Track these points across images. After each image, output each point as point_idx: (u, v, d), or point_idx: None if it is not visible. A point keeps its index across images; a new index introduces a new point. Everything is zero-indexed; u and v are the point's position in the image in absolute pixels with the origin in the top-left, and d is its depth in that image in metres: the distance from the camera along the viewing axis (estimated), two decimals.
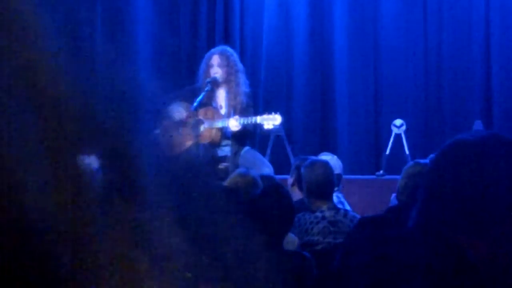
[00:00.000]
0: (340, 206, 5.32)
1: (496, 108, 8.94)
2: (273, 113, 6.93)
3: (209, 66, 7.16)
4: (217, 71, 7.13)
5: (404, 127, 7.89)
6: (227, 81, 7.17)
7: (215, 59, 7.17)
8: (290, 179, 5.70)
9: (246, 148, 7.17)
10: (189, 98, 7.14)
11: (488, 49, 9.01)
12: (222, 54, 7.20)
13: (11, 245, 0.43)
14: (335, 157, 6.33)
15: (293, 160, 7.68)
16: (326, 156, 6.25)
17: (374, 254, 1.58)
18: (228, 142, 7.16)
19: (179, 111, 7.22)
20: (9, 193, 0.42)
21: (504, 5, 8.98)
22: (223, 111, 7.21)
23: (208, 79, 7.09)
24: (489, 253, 1.43)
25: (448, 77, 9.08)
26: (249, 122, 6.96)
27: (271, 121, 6.90)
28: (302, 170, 5.21)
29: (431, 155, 5.43)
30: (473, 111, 8.83)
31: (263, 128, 7.08)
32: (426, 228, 1.50)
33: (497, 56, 8.97)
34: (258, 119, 6.94)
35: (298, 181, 5.56)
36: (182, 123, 7.22)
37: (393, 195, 5.26)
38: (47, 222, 0.43)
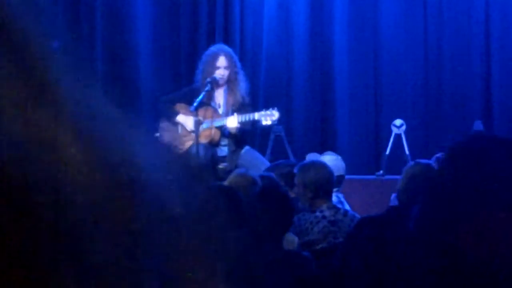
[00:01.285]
0: (339, 206, 5.32)
1: (496, 108, 8.94)
2: (270, 109, 6.93)
3: (215, 68, 7.12)
4: (224, 73, 7.12)
5: (404, 127, 7.90)
6: (229, 80, 7.18)
7: (222, 61, 7.13)
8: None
9: (246, 148, 7.17)
10: (188, 98, 7.14)
11: (488, 49, 9.01)
12: (227, 55, 7.19)
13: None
14: (339, 157, 6.32)
15: (292, 160, 7.68)
16: (330, 156, 6.24)
17: (374, 254, 1.59)
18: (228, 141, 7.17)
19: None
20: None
21: (504, 5, 8.98)
22: (221, 110, 7.21)
23: (208, 79, 7.09)
24: (489, 256, 1.43)
25: (448, 77, 9.08)
26: (248, 119, 6.96)
27: (269, 116, 6.90)
28: (302, 170, 5.20)
29: (437, 155, 5.43)
30: (473, 111, 8.83)
31: (261, 125, 7.09)
32: (427, 229, 1.51)
33: (497, 56, 8.97)
34: (256, 115, 6.95)
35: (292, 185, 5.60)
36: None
37: (393, 195, 5.26)
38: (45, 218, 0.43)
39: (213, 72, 7.12)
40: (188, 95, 7.22)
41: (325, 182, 5.03)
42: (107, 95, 0.51)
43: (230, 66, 7.15)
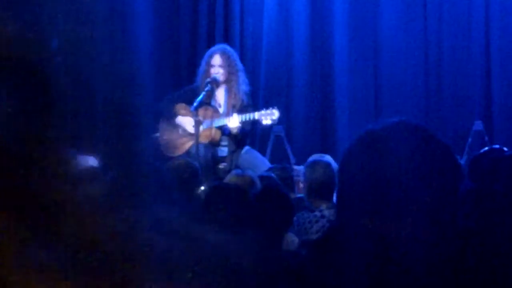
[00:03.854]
0: None
1: (496, 108, 8.94)
2: (270, 108, 6.92)
3: (210, 66, 7.16)
4: (218, 71, 7.13)
5: None
6: (227, 80, 7.18)
7: (216, 59, 7.16)
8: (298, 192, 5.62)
9: (246, 148, 7.17)
10: (189, 98, 7.14)
11: (488, 49, 9.01)
12: (223, 53, 7.20)
13: None
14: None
15: (292, 160, 7.68)
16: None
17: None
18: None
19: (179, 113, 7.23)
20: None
21: (504, 5, 8.98)
22: (221, 110, 7.21)
23: (208, 79, 7.09)
24: (406, 239, 1.44)
25: (448, 77, 9.08)
26: (248, 118, 6.96)
27: (269, 116, 6.90)
28: (305, 169, 5.19)
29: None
30: (473, 111, 8.83)
31: (262, 124, 7.08)
32: (347, 220, 1.52)
33: (497, 56, 8.97)
34: (256, 115, 6.94)
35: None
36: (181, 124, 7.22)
37: None
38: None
39: (208, 71, 7.13)
40: (188, 94, 7.22)
41: (322, 182, 5.01)
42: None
43: (226, 65, 7.14)
